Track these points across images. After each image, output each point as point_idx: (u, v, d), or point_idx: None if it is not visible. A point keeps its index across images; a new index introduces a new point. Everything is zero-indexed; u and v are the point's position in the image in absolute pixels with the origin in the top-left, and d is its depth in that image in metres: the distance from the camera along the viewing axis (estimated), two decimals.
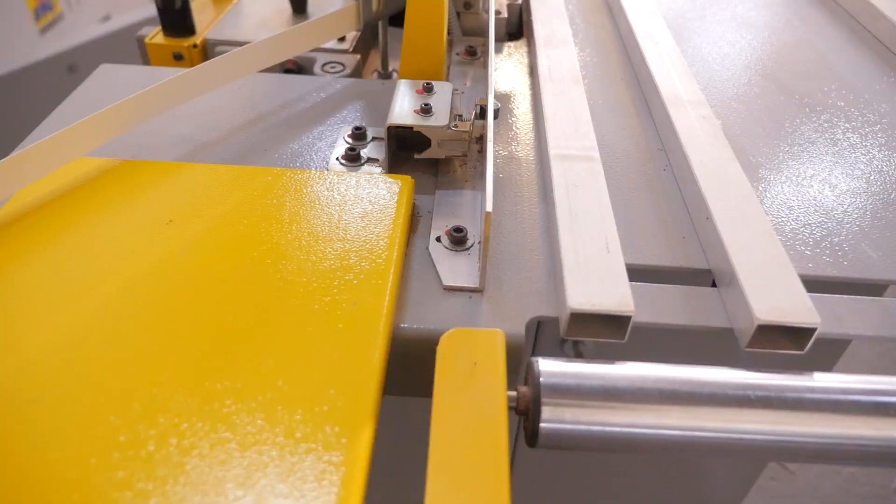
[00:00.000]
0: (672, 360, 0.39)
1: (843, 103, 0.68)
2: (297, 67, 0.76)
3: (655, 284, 0.46)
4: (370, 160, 0.56)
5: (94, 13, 1.85)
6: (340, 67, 0.74)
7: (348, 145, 0.57)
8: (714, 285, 0.47)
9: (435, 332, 0.42)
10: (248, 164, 0.56)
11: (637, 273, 0.46)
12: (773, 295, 0.42)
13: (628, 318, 0.41)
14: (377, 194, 0.49)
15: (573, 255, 0.44)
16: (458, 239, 0.47)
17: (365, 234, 0.45)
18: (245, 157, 0.57)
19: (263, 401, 0.35)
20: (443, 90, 0.56)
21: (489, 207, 0.40)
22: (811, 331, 0.41)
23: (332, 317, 0.39)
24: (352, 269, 0.42)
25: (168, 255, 0.43)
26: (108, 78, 0.68)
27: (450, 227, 0.49)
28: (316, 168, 0.55)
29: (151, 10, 0.84)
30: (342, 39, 0.78)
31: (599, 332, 0.42)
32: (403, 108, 0.53)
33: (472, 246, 0.48)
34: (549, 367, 0.37)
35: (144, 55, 0.81)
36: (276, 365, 0.36)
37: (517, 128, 0.62)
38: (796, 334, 0.42)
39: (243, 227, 0.45)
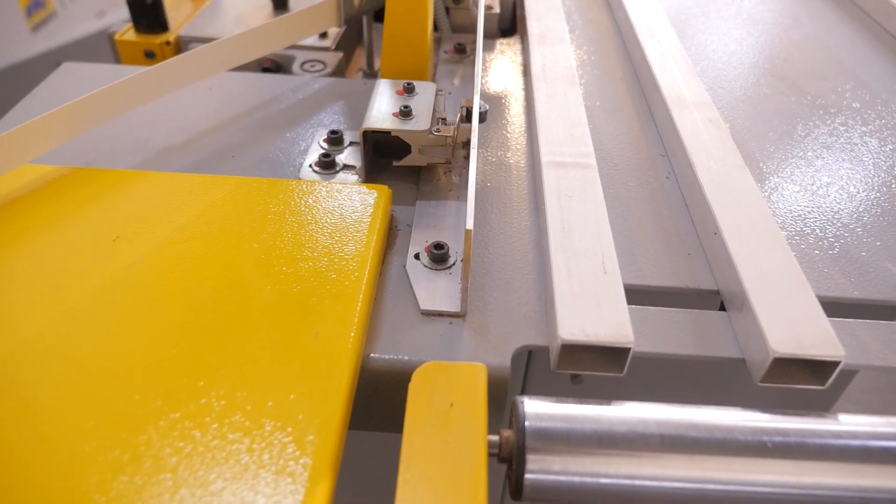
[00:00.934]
0: (675, 391, 0.34)
1: (858, 104, 0.63)
2: (275, 66, 0.71)
3: (657, 308, 0.41)
4: (346, 167, 0.51)
5: (88, 10, 1.80)
6: (321, 66, 0.69)
7: (323, 151, 0.53)
8: (723, 308, 0.42)
9: (409, 364, 0.37)
10: (212, 171, 0.51)
11: (637, 295, 0.42)
12: (791, 322, 0.37)
13: (627, 350, 0.36)
14: (349, 206, 0.44)
15: (565, 275, 0.39)
16: (438, 256, 0.43)
17: (333, 251, 0.41)
18: (210, 164, 0.52)
19: (213, 448, 0.30)
20: (425, 91, 0.51)
21: (469, 224, 0.35)
22: (834, 364, 0.36)
23: (290, 351, 0.34)
24: (316, 293, 0.38)
25: (109, 278, 0.38)
26: (70, 77, 0.63)
27: (430, 242, 0.44)
28: (286, 176, 0.51)
29: None
30: (324, 36, 0.73)
31: (595, 365, 0.37)
32: (381, 110, 0.49)
33: (454, 264, 0.43)
34: (536, 409, 0.33)
35: (116, 53, 0.77)
36: (226, 407, 0.32)
37: (507, 132, 0.57)
38: (817, 368, 0.37)
39: (196, 246, 0.40)
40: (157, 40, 0.73)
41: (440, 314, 0.40)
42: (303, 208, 0.44)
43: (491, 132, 0.57)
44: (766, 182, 0.52)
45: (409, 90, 0.51)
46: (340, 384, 0.33)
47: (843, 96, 0.64)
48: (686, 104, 0.56)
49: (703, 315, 0.41)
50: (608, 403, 0.33)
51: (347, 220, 0.43)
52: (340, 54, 0.71)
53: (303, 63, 0.69)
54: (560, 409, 0.33)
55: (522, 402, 0.33)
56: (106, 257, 0.39)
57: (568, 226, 0.43)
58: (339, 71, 0.70)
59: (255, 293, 0.38)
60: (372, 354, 0.38)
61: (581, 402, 0.34)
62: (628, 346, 0.35)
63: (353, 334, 0.36)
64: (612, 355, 0.37)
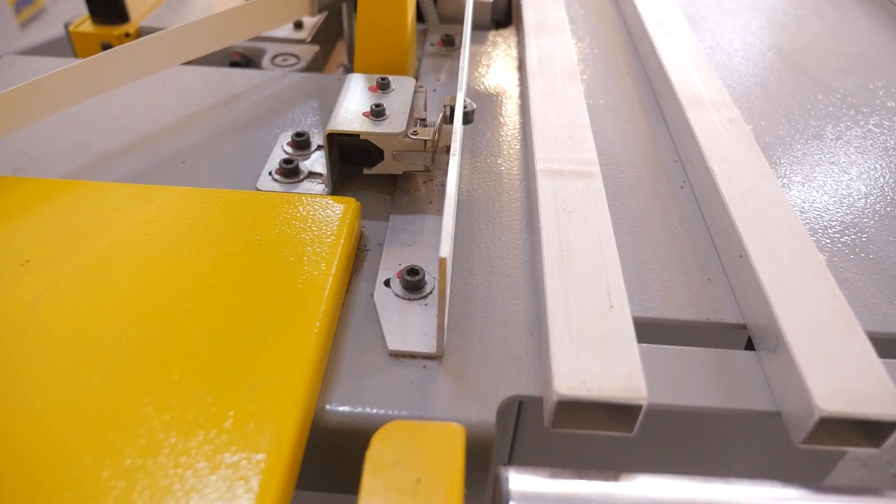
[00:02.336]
0: (692, 448, 0.28)
1: (893, 104, 0.56)
2: (244, 60, 0.64)
3: (672, 347, 0.34)
4: (312, 175, 0.45)
5: (79, 5, 1.74)
6: (294, 60, 0.62)
7: (286, 156, 0.46)
8: (751, 347, 0.35)
9: (371, 419, 0.31)
10: (158, 178, 0.44)
11: (647, 329, 0.35)
12: (838, 368, 0.30)
13: (639, 407, 0.29)
14: (308, 223, 0.37)
15: (563, 310, 0.32)
16: (412, 284, 0.36)
17: (286, 278, 0.34)
18: (155, 172, 0.45)
19: None
20: (402, 87, 0.44)
21: (445, 251, 0.28)
22: (893, 425, 0.29)
23: (217, 411, 0.28)
24: (259, 333, 0.31)
25: (5, 314, 0.31)
26: (8, 72, 0.56)
27: (403, 266, 0.37)
28: (242, 185, 0.44)
29: None
30: (299, 27, 0.67)
31: (599, 423, 0.30)
32: (350, 109, 0.42)
33: (430, 293, 0.36)
34: (524, 486, 0.26)
35: (73, 46, 0.70)
36: (145, 481, 0.25)
37: (498, 134, 0.50)
38: (871, 427, 0.30)
39: (119, 272, 0.34)
40: (115, 32, 0.67)
41: (412, 356, 0.33)
42: (252, 226, 0.37)
43: (478, 135, 0.50)
44: (794, 193, 0.45)
45: (383, 86, 0.44)
46: (277, 459, 0.26)
47: (876, 94, 0.57)
48: (703, 103, 0.49)
49: (727, 356, 0.34)
50: (615, 478, 0.27)
51: (305, 240, 0.36)
52: (316, 48, 0.64)
53: (274, 57, 0.63)
54: (554, 485, 0.26)
55: (507, 478, 0.26)
56: (8, 286, 0.33)
57: (566, 247, 0.36)
58: (316, 66, 0.63)
59: (185, 333, 0.31)
60: (327, 406, 0.31)
61: (581, 476, 0.27)
62: (640, 402, 0.29)
63: (300, 385, 0.29)
64: (621, 412, 0.30)
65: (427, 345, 0.33)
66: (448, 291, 0.32)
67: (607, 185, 0.44)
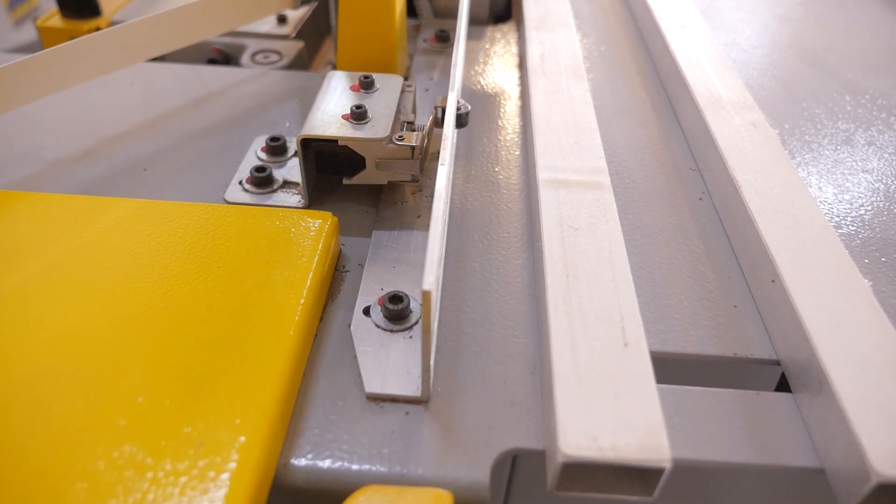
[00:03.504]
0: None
1: None
2: (222, 57, 0.60)
3: (695, 389, 0.30)
4: (287, 184, 0.40)
5: None
6: (276, 57, 0.57)
7: (259, 163, 0.41)
8: (785, 387, 0.31)
9: (343, 478, 0.26)
10: (116, 188, 0.40)
11: (664, 365, 0.30)
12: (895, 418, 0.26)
13: (661, 470, 0.24)
14: (277, 242, 0.32)
15: (569, 348, 0.28)
16: (395, 313, 0.31)
17: (246, 310, 0.29)
18: (114, 180, 0.40)
19: None
20: (387, 86, 0.40)
21: (429, 283, 0.24)
22: None
23: (155, 476, 0.23)
24: (212, 376, 0.26)
25: None
26: None
27: (386, 292, 0.33)
28: (210, 196, 0.39)
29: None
30: (283, 21, 0.62)
31: (611, 485, 0.26)
32: (328, 111, 0.37)
33: (416, 323, 0.31)
34: None
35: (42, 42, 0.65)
36: None
37: (496, 138, 0.46)
38: None
39: (54, 297, 0.29)
40: (85, 26, 0.62)
41: (393, 399, 0.29)
42: (212, 246, 0.32)
43: (474, 139, 0.45)
44: (826, 206, 0.41)
45: (366, 85, 0.39)
46: None
47: None
48: (722, 104, 0.44)
49: (759, 399, 0.30)
50: None
51: (272, 262, 0.31)
52: (301, 44, 0.59)
53: (254, 53, 0.58)
54: None
55: None
56: None
57: (573, 270, 0.31)
58: (300, 64, 0.59)
59: (121, 375, 0.26)
60: (291, 460, 0.26)
61: None
62: (663, 465, 0.24)
63: (258, 441, 0.24)
64: (639, 473, 0.25)
65: (411, 386, 0.29)
66: (435, 326, 0.27)
67: (617, 196, 0.39)
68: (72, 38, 0.64)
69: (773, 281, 0.32)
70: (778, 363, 0.31)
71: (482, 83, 0.52)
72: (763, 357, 0.31)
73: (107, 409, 0.25)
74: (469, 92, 0.51)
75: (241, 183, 0.40)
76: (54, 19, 0.63)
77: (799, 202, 0.36)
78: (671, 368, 0.31)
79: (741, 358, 0.31)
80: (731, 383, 0.32)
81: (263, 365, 0.27)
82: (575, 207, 0.35)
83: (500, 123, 0.47)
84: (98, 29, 0.62)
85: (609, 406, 0.26)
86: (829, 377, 0.27)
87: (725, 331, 0.32)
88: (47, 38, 0.63)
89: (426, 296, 0.24)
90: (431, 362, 0.27)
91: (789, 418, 0.29)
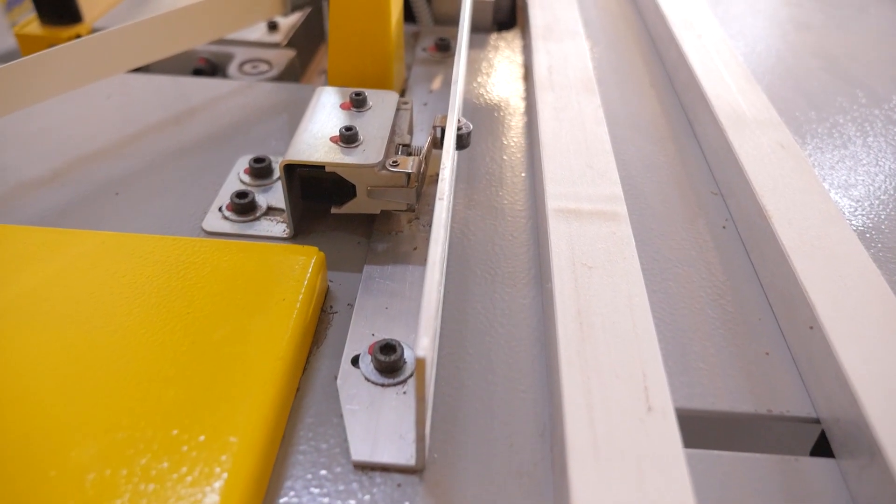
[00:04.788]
0: None
1: None
2: (209, 67, 0.56)
3: (725, 454, 0.26)
4: (272, 211, 0.36)
5: None
6: (265, 67, 0.54)
7: (241, 187, 0.38)
8: (824, 448, 0.27)
9: None
10: (83, 215, 0.36)
11: (688, 424, 0.27)
12: None
13: None
14: (255, 283, 0.29)
15: (585, 413, 0.24)
16: (387, 365, 0.28)
17: (216, 365, 0.26)
18: (81, 206, 0.37)
19: None
20: (381, 104, 0.36)
21: (423, 348, 0.20)
22: None
23: None
24: (171, 450, 0.23)
25: None
26: None
27: (377, 337, 0.29)
28: (186, 223, 0.36)
29: None
30: (273, 28, 0.58)
31: None
32: (314, 133, 0.34)
33: (411, 375, 0.28)
34: None
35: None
36: None
37: (501, 159, 0.42)
38: None
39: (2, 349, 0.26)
40: (65, 33, 0.58)
41: (383, 468, 0.25)
42: (182, 287, 0.29)
43: (476, 160, 0.42)
44: (865, 239, 0.37)
45: (357, 103, 0.35)
46: None
47: None
48: (745, 122, 0.41)
49: (798, 467, 0.26)
50: None
51: (249, 307, 0.28)
52: (292, 53, 0.56)
53: (242, 63, 0.54)
54: None
55: None
56: None
57: (587, 318, 0.28)
58: (292, 74, 0.55)
59: (69, 450, 0.23)
60: None
61: None
62: None
63: None
64: None
65: (404, 454, 0.25)
66: (431, 393, 0.24)
67: (633, 224, 0.35)
68: (51, 45, 0.60)
69: (811, 328, 0.29)
70: (818, 421, 0.28)
71: (485, 97, 0.49)
72: (801, 415, 0.28)
73: (48, 486, 0.21)
74: (471, 106, 0.47)
75: (220, 209, 0.36)
76: (32, 26, 0.60)
77: (837, 236, 0.32)
78: (698, 427, 0.28)
79: (776, 416, 0.28)
80: (763, 441, 0.28)
81: (236, 433, 0.23)
82: (589, 242, 0.31)
83: (504, 142, 0.44)
84: (78, 36, 0.59)
85: (632, 484, 0.22)
86: (881, 446, 0.24)
87: (757, 383, 0.29)
88: (25, 46, 0.60)
89: (420, 364, 0.20)
90: (427, 430, 0.24)
91: (834, 490, 0.25)
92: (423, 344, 0.20)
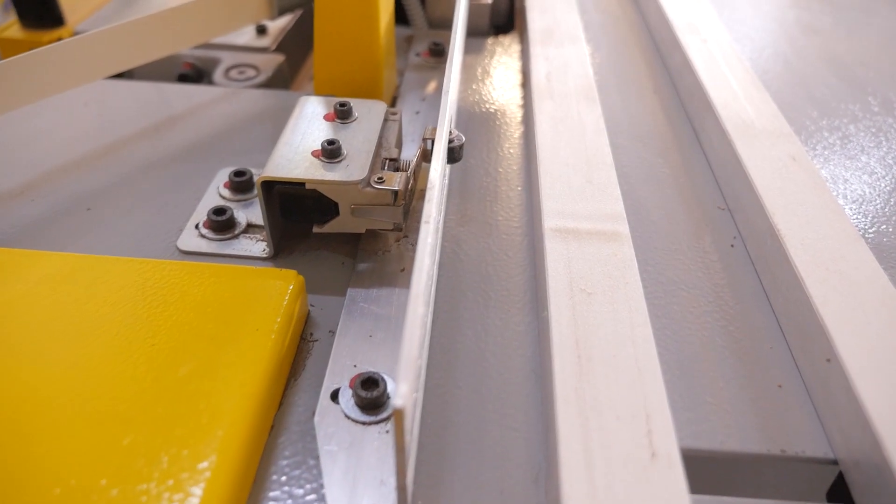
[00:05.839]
0: None
1: None
2: (195, 72, 0.54)
3: (733, 501, 0.24)
4: (252, 228, 0.34)
5: None
6: (253, 73, 0.52)
7: (220, 203, 0.35)
8: (843, 495, 0.25)
9: None
10: (52, 232, 0.34)
11: (696, 465, 0.25)
12: None
13: None
14: (229, 311, 0.27)
15: (582, 458, 0.22)
16: (368, 401, 0.26)
17: (180, 404, 0.23)
18: (50, 223, 0.35)
19: None
20: (368, 115, 0.34)
21: (402, 397, 0.18)
22: None
23: None
24: (128, 499, 0.21)
25: None
26: None
27: (359, 370, 0.27)
28: (161, 241, 0.34)
29: None
30: (262, 32, 0.56)
31: None
32: (295, 147, 0.32)
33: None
34: None
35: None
36: None
37: (496, 172, 0.40)
38: None
39: None
40: (46, 37, 0.56)
41: None
42: (149, 315, 0.26)
43: (469, 172, 0.40)
44: (885, 263, 0.35)
45: (342, 114, 0.33)
46: None
47: None
48: (754, 133, 0.39)
49: None
50: None
51: (220, 338, 0.26)
52: (281, 57, 0.54)
53: (228, 68, 0.52)
54: None
55: None
56: None
57: (586, 351, 0.25)
58: (280, 80, 0.53)
59: (13, 501, 0.20)
60: None
61: None
62: None
63: None
64: None
65: (385, 501, 0.23)
66: (414, 435, 0.22)
67: (636, 242, 0.33)
68: (32, 49, 0.58)
69: (828, 360, 0.27)
70: (835, 462, 0.26)
71: (480, 105, 0.46)
72: (817, 455, 0.26)
73: None
74: (465, 115, 0.45)
75: (197, 227, 0.34)
76: (13, 29, 0.58)
77: (854, 258, 0.30)
78: (705, 469, 0.26)
79: (790, 457, 0.26)
80: (775, 484, 0.26)
81: (199, 482, 0.21)
82: (588, 265, 0.29)
83: (500, 153, 0.41)
84: (60, 40, 0.57)
85: None
86: None
87: (769, 419, 0.27)
88: (5, 50, 0.58)
89: (398, 415, 0.18)
90: (409, 479, 0.22)
91: None
92: (401, 391, 0.18)
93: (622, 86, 0.49)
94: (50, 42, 0.56)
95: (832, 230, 0.32)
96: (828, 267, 0.30)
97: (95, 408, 0.23)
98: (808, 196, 0.34)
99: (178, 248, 0.33)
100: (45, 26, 0.57)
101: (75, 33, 0.57)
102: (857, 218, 0.37)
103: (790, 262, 0.30)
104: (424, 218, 0.24)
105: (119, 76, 0.50)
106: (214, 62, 0.53)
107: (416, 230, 0.35)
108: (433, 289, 0.29)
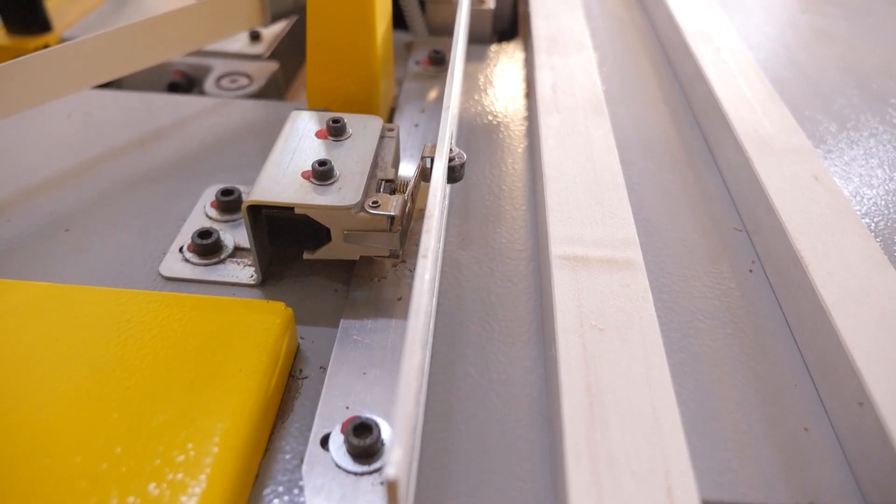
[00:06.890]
0: None
1: None
2: (185, 81, 0.52)
3: None
4: (240, 252, 0.32)
5: None
6: (245, 82, 0.50)
7: (206, 224, 0.33)
8: None
9: None
10: (26, 256, 0.32)
11: None
12: None
13: None
14: (210, 347, 0.25)
15: None
16: (361, 450, 0.23)
17: (154, 459, 0.21)
18: (24, 245, 0.33)
19: None
20: (363, 131, 0.32)
21: (394, 466, 0.16)
22: None
23: None
24: None
25: None
26: None
27: (352, 412, 0.25)
28: (139, 268, 0.32)
29: None
30: (256, 39, 0.54)
31: None
32: (284, 167, 0.29)
33: None
34: None
35: None
36: None
37: (499, 190, 0.38)
38: None
39: None
40: (32, 44, 0.54)
41: None
42: (123, 354, 0.24)
43: (471, 191, 0.38)
44: None
45: (335, 131, 0.31)
46: None
47: None
48: (773, 150, 0.36)
49: None
50: None
51: (199, 381, 0.24)
52: (275, 65, 0.52)
53: (220, 77, 0.50)
54: None
55: None
56: None
57: (598, 396, 0.23)
58: (274, 89, 0.51)
59: None
60: None
61: None
62: None
63: None
64: None
65: None
66: (410, 493, 0.20)
67: (648, 268, 0.31)
68: (17, 57, 0.56)
69: (860, 404, 0.24)
70: None
71: (482, 117, 0.44)
72: None
73: None
74: (466, 127, 0.43)
75: (181, 250, 0.32)
76: None
77: (885, 289, 0.28)
78: None
79: None
80: None
81: None
82: (599, 297, 0.27)
83: (503, 169, 0.39)
84: (47, 46, 0.55)
85: None
86: None
87: (795, 467, 0.25)
88: None
89: (391, 487, 0.16)
90: None
91: None
92: (394, 459, 0.16)
93: (631, 97, 0.47)
94: (36, 49, 0.55)
95: (859, 256, 0.29)
96: (856, 298, 0.28)
97: (60, 463, 0.21)
98: (833, 219, 0.32)
99: (160, 274, 0.31)
100: (32, 32, 0.55)
101: (62, 40, 0.55)
102: (882, 241, 0.35)
103: (816, 292, 0.28)
104: (422, 252, 0.22)
105: (106, 86, 0.48)
106: (206, 70, 0.51)
107: (415, 254, 0.33)
108: (432, 324, 0.27)
